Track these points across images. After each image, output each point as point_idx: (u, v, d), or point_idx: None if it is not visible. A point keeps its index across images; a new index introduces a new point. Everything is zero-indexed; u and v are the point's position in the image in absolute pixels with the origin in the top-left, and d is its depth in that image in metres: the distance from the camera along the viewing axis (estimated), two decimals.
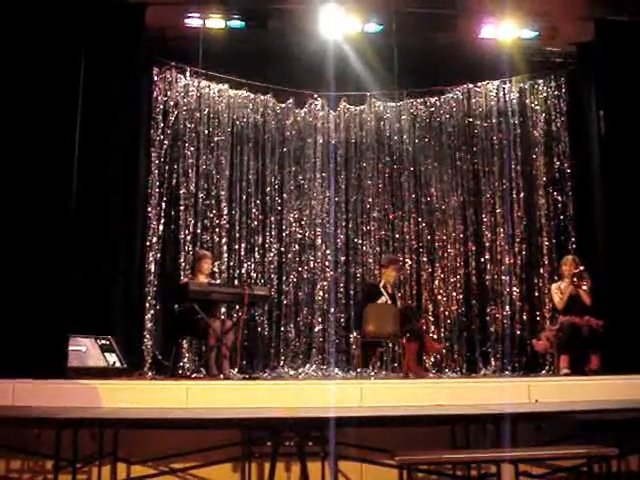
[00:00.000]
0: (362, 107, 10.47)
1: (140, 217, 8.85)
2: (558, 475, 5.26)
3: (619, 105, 8.47)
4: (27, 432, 4.99)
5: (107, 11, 7.68)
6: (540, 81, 10.10)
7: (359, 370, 8.52)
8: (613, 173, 8.45)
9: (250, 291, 7.88)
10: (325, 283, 9.97)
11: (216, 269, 9.33)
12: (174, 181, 9.42)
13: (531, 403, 5.99)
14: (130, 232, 8.41)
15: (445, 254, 10.06)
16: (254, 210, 9.97)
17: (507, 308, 9.70)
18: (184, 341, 8.90)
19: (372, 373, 9.11)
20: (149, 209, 9.09)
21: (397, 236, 10.18)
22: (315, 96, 10.33)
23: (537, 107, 10.07)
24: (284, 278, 9.96)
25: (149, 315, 8.87)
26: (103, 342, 7.35)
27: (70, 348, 6.77)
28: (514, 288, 9.74)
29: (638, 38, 8.39)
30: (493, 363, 9.54)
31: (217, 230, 9.64)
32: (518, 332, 9.61)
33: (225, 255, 9.63)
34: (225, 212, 9.72)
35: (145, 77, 9.06)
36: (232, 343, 7.97)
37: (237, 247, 9.79)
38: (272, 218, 10.06)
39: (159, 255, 9.12)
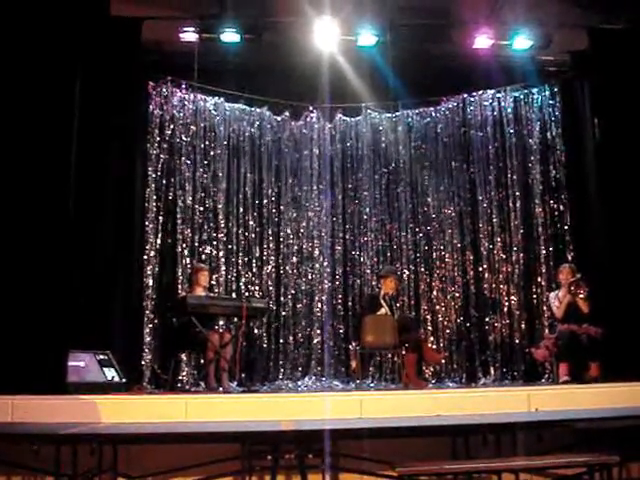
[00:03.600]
0: (358, 118, 10.49)
1: (138, 231, 8.85)
2: None
3: (614, 113, 8.52)
4: (26, 448, 4.96)
5: (103, 26, 7.70)
6: (534, 90, 10.11)
7: (358, 381, 8.52)
8: (609, 180, 8.49)
9: (248, 304, 7.88)
10: (323, 294, 9.95)
11: (214, 282, 9.32)
12: (171, 195, 9.42)
13: (531, 412, 5.99)
14: (128, 246, 8.42)
15: (443, 264, 10.06)
16: (251, 222, 9.97)
17: (506, 317, 9.71)
18: (183, 355, 8.88)
19: (371, 384, 9.12)
20: (146, 223, 9.09)
21: (394, 246, 10.19)
22: (311, 108, 10.35)
23: (532, 116, 10.09)
24: (282, 290, 9.95)
25: (147, 329, 8.85)
26: (102, 357, 7.33)
27: (69, 363, 6.75)
28: (512, 297, 9.74)
29: (631, 46, 8.43)
30: (493, 372, 9.53)
31: (215, 243, 9.64)
32: (517, 341, 9.60)
33: (223, 268, 9.63)
34: (222, 225, 9.72)
35: (141, 91, 9.08)
36: (231, 356, 7.97)
37: (235, 260, 9.78)
38: (269, 230, 10.05)
39: (157, 269, 9.11)
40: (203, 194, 9.68)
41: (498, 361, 9.58)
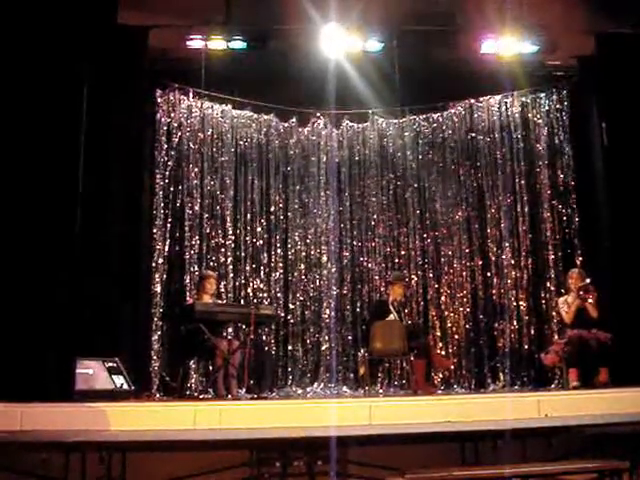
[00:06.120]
0: (365, 125, 10.50)
1: (145, 238, 8.88)
2: None
3: (621, 117, 8.50)
4: (35, 456, 4.97)
5: (110, 34, 7.72)
6: (542, 95, 10.10)
7: (367, 388, 8.50)
8: (617, 185, 8.47)
9: (256, 310, 7.88)
10: (331, 301, 9.94)
11: (222, 289, 9.33)
12: (179, 202, 9.43)
13: (541, 418, 5.96)
14: (135, 254, 8.43)
15: (451, 269, 10.04)
16: (259, 229, 9.98)
17: (515, 322, 9.67)
18: (191, 362, 8.88)
19: (380, 391, 9.10)
20: (154, 230, 9.10)
21: (402, 252, 10.17)
22: (318, 115, 10.36)
23: (539, 121, 10.07)
24: (290, 297, 9.95)
25: (156, 336, 8.86)
26: (110, 364, 7.34)
27: (77, 371, 6.76)
28: (521, 302, 9.71)
29: (639, 50, 8.42)
30: (502, 378, 9.48)
31: (222, 250, 9.64)
32: (526, 346, 9.56)
33: (231, 275, 9.63)
34: (230, 232, 9.73)
35: (148, 99, 9.12)
36: (239, 363, 7.95)
37: (243, 267, 9.78)
38: (277, 237, 10.06)
39: (165, 276, 9.12)
40: (211, 201, 9.69)
41: (507, 367, 9.53)
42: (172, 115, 9.55)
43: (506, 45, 9.15)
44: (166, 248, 9.21)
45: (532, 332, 9.59)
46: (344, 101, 9.91)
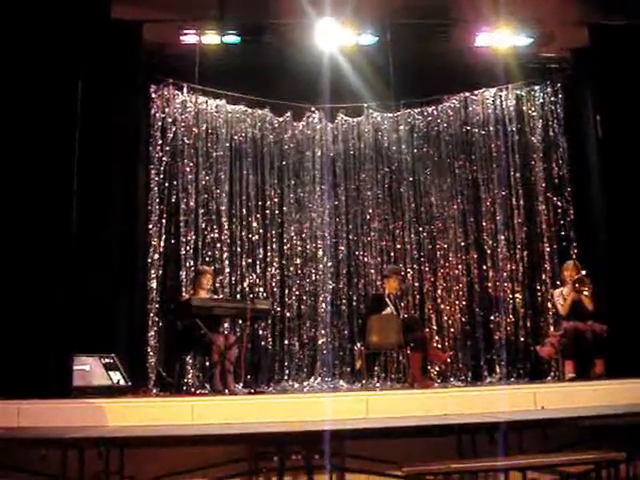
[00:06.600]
0: (359, 119, 10.48)
1: (141, 234, 8.87)
2: None
3: (616, 109, 8.51)
4: (33, 453, 4.97)
5: (104, 29, 7.69)
6: (536, 87, 10.10)
7: (364, 382, 8.51)
8: (612, 177, 8.48)
9: (252, 305, 7.87)
10: (327, 295, 9.94)
11: (218, 284, 9.32)
12: (174, 197, 9.41)
13: (537, 410, 5.98)
14: (131, 250, 8.43)
15: (447, 263, 10.05)
16: (254, 224, 9.96)
17: (511, 315, 9.69)
18: (188, 357, 8.88)
19: (377, 384, 9.12)
20: (150, 226, 9.09)
21: (398, 246, 10.18)
22: (312, 109, 10.34)
23: (534, 113, 10.07)
24: (286, 291, 9.95)
25: (152, 332, 8.85)
26: (107, 360, 7.34)
27: (74, 368, 6.75)
28: (517, 295, 9.73)
29: (633, 41, 8.43)
30: (498, 371, 9.51)
31: (218, 245, 9.63)
32: (522, 339, 9.58)
33: (227, 270, 9.62)
34: (226, 227, 9.71)
35: (143, 94, 9.10)
36: (236, 358, 7.96)
37: (238, 262, 9.77)
38: (273, 232, 10.04)
39: (161, 272, 9.11)
40: (206, 196, 9.67)
41: (503, 359, 9.54)
42: (166, 110, 9.52)
43: (500, 38, 9.19)
44: (162, 244, 9.19)
45: (528, 324, 9.61)
46: (339, 95, 9.89)
